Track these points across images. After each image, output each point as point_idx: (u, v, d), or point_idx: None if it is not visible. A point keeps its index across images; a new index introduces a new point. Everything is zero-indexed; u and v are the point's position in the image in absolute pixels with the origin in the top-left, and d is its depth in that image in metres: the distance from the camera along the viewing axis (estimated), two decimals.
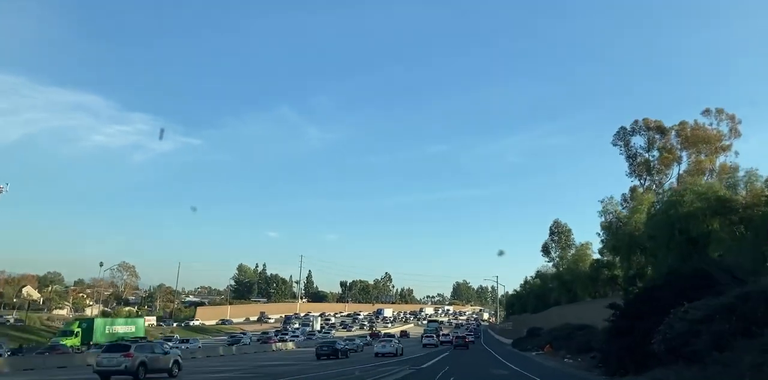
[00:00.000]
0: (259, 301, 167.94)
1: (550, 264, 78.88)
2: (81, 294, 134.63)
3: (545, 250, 79.21)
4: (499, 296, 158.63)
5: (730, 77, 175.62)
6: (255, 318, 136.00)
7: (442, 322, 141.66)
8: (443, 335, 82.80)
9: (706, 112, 57.18)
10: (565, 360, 35.00)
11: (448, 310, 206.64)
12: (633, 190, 57.31)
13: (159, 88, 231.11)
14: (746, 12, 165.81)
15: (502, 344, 77.97)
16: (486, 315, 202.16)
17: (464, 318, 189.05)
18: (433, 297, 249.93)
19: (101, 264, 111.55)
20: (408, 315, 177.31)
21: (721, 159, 55.82)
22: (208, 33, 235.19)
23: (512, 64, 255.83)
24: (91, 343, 50.98)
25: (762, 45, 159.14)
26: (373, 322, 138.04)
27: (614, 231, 47.24)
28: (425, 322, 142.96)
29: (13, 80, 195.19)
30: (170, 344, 58.47)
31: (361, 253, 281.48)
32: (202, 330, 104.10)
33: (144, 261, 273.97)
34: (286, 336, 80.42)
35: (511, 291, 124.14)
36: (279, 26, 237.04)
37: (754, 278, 15.42)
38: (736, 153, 53.71)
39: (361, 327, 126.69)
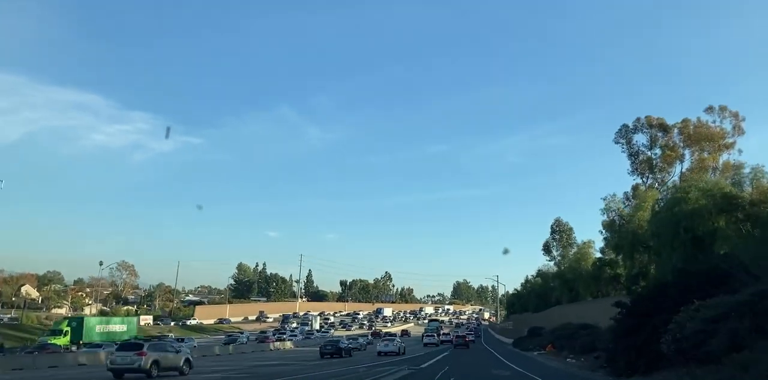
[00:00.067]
0: (258, 300, 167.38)
1: (552, 263, 78.46)
2: (80, 293, 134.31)
3: (546, 249, 78.69)
4: (500, 295, 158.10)
5: (730, 77, 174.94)
6: (254, 317, 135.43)
7: (442, 322, 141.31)
8: (444, 334, 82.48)
9: (710, 110, 56.46)
10: (568, 360, 34.29)
11: (449, 310, 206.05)
12: (635, 188, 56.69)
13: (159, 88, 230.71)
14: (747, 11, 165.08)
15: (502, 343, 77.36)
16: (486, 315, 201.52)
17: (465, 317, 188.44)
18: (433, 296, 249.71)
19: (101, 264, 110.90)
20: (408, 315, 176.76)
21: (724, 157, 55.06)
22: (208, 33, 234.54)
23: (512, 64, 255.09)
24: (81, 342, 50.09)
25: (763, 44, 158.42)
26: (373, 322, 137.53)
27: (617, 229, 46.64)
28: (425, 322, 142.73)
29: (13, 79, 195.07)
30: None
31: (361, 253, 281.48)
32: (200, 329, 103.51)
33: (144, 260, 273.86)
34: (284, 336, 79.75)
35: (511, 291, 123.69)
36: (279, 26, 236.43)
37: None
38: (740, 151, 52.99)
39: (361, 326, 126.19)
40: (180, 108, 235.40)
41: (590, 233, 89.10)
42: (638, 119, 59.37)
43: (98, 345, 43.97)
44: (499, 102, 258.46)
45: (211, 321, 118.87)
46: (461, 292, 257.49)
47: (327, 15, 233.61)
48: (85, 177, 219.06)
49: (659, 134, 58.19)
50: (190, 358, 26.95)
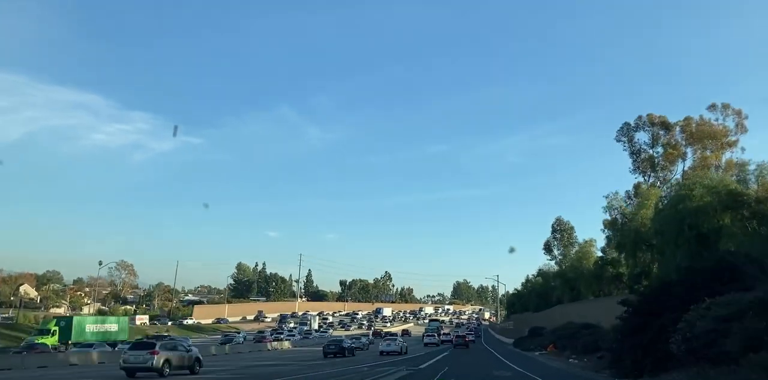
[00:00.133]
0: (258, 300, 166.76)
1: (553, 262, 77.90)
2: (79, 293, 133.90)
3: (547, 248, 78.15)
4: (500, 295, 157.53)
5: (732, 76, 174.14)
6: (252, 317, 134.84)
7: (443, 322, 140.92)
8: (444, 334, 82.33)
9: (712, 107, 55.92)
10: (570, 360, 33.63)
11: (448, 310, 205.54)
12: (637, 186, 56.15)
13: (159, 88, 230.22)
14: (747, 10, 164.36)
15: (503, 343, 76.77)
16: (487, 315, 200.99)
17: (465, 317, 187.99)
18: (433, 296, 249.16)
19: (100, 263, 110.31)
20: (407, 315, 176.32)
21: (727, 155, 54.47)
22: (208, 33, 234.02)
23: (512, 64, 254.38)
24: (70, 342, 49.20)
25: (764, 42, 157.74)
26: (372, 322, 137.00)
27: (619, 228, 46.07)
28: (425, 322, 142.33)
29: (13, 79, 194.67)
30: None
31: (361, 253, 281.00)
32: (198, 329, 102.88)
33: (144, 260, 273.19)
34: (281, 336, 79.16)
35: (511, 291, 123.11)
36: (279, 26, 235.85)
37: None
38: (743, 149, 52.43)
39: (360, 326, 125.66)
40: (180, 108, 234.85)
41: (590, 233, 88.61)
42: (640, 117, 58.90)
43: (89, 345, 43.17)
44: (499, 102, 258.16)
45: (209, 321, 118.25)
46: (461, 292, 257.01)
47: (327, 15, 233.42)
48: (85, 177, 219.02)
49: (661, 132, 57.77)
50: (200, 357, 27.31)
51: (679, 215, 31.80)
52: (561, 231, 76.90)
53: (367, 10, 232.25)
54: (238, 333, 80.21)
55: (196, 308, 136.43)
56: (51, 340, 48.16)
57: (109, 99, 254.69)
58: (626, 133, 59.10)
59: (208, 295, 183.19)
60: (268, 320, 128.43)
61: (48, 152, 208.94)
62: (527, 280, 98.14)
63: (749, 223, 30.86)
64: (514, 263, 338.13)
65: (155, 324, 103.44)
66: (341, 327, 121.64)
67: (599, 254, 58.42)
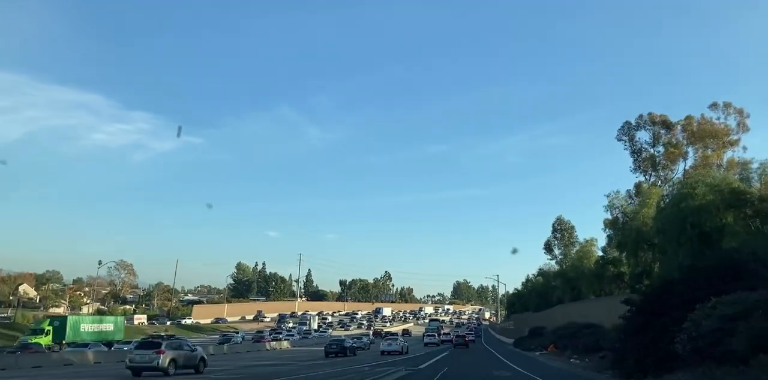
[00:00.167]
0: (258, 300, 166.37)
1: (553, 261, 77.59)
2: (78, 293, 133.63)
3: (548, 248, 77.86)
4: (500, 295, 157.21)
5: (732, 77, 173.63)
6: (251, 317, 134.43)
7: (443, 321, 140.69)
8: (444, 334, 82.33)
9: (714, 106, 55.65)
10: (572, 360, 33.27)
11: (448, 309, 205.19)
12: (638, 186, 55.84)
13: (159, 88, 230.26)
14: (747, 10, 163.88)
15: (503, 343, 76.48)
16: (487, 315, 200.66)
17: (465, 317, 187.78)
18: (433, 296, 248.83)
19: (100, 263, 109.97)
20: (407, 315, 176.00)
21: (728, 154, 54.19)
22: (208, 33, 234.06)
23: (512, 64, 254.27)
24: (64, 342, 48.61)
25: (764, 42, 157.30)
26: (372, 321, 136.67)
27: (620, 227, 45.74)
28: (425, 321, 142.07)
29: (14, 78, 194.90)
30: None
31: (361, 253, 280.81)
32: (196, 328, 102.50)
33: (144, 260, 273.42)
34: (280, 335, 78.75)
35: (512, 291, 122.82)
36: (279, 26, 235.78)
37: None
38: (744, 148, 52.14)
39: (359, 326, 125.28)
40: (180, 108, 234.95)
41: (591, 233, 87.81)
42: (641, 116, 58.63)
43: (84, 345, 42.82)
44: (499, 102, 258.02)
45: (208, 321, 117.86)
46: (461, 292, 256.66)
47: (327, 15, 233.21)
48: (85, 177, 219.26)
49: (662, 131, 57.55)
50: (205, 357, 27.44)
51: (682, 213, 31.44)
52: (562, 230, 76.60)
53: (367, 10, 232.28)
54: (237, 333, 79.90)
55: (195, 308, 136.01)
56: (45, 340, 47.62)
57: (110, 99, 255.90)
58: (627, 132, 58.85)
59: (208, 295, 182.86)
60: (267, 320, 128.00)
61: (48, 152, 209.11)
62: (527, 280, 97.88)
63: (752, 222, 30.53)
64: (514, 263, 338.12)
65: (153, 323, 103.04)
66: (340, 327, 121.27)
67: (600, 254, 58.10)
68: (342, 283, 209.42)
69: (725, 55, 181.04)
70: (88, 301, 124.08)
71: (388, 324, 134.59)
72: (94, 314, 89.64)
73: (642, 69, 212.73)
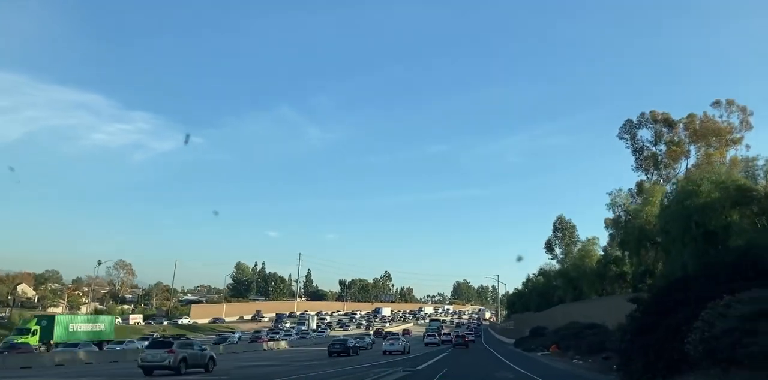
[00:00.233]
0: (257, 300, 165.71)
1: (554, 261, 76.98)
2: (77, 292, 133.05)
3: (549, 247, 77.24)
4: (500, 295, 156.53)
5: (732, 77, 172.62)
6: (250, 316, 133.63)
7: (443, 321, 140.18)
8: (444, 334, 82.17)
9: (716, 104, 55.12)
10: (574, 361, 32.51)
11: (448, 310, 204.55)
12: (639, 184, 55.34)
13: (159, 88, 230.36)
14: (746, 10, 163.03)
15: (503, 344, 75.84)
16: (487, 315, 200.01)
17: (466, 317, 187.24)
18: (433, 296, 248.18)
19: (99, 263, 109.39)
20: (407, 315, 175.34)
21: (731, 153, 53.61)
22: (208, 33, 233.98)
23: (512, 64, 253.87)
24: (52, 342, 47.63)
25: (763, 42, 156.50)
26: (371, 321, 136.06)
27: (623, 225, 45.09)
28: (425, 322, 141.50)
29: (14, 78, 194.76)
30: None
31: (361, 253, 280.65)
32: (193, 328, 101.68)
33: (144, 260, 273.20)
34: (277, 335, 78.09)
35: (512, 291, 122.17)
36: (279, 26, 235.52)
37: None
38: (747, 146, 51.51)
39: (358, 326, 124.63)
40: (180, 108, 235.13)
41: (591, 233, 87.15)
42: (642, 114, 58.16)
43: (74, 345, 42.03)
44: (499, 102, 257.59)
45: (206, 321, 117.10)
46: (461, 292, 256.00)
47: (327, 15, 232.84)
48: (85, 176, 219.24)
49: (664, 129, 57.11)
50: (214, 356, 27.96)
51: (686, 211, 30.72)
52: (563, 229, 76.00)
53: (367, 10, 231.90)
54: (233, 333, 79.29)
55: (194, 307, 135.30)
56: (32, 340, 46.58)
57: (110, 99, 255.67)
58: (629, 130, 58.38)
59: (208, 295, 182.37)
60: (266, 320, 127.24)
61: (48, 152, 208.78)
62: (528, 280, 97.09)
63: (758, 220, 29.87)
64: (514, 263, 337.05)
65: (150, 323, 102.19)
66: (339, 327, 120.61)
67: (601, 253, 57.48)
68: (342, 283, 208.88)
69: (726, 54, 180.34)
70: (87, 301, 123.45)
71: (387, 325, 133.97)
72: (92, 313, 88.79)
73: (642, 69, 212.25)
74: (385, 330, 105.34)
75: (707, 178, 32.30)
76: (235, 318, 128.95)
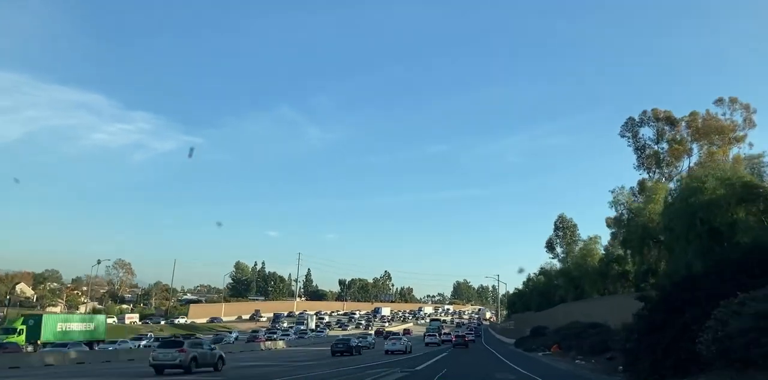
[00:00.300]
0: (256, 300, 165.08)
1: (555, 260, 76.47)
2: (76, 292, 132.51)
3: (549, 246, 76.73)
4: (500, 295, 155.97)
5: (732, 77, 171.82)
6: (248, 316, 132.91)
7: (444, 321, 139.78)
8: (444, 334, 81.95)
9: (719, 102, 54.72)
10: (577, 361, 31.87)
11: (448, 309, 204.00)
12: (641, 183, 54.88)
13: (160, 88, 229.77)
14: (746, 10, 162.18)
15: (503, 343, 75.27)
16: (488, 314, 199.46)
17: (466, 317, 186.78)
18: (433, 296, 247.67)
19: (99, 262, 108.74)
20: (407, 314, 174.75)
21: (734, 151, 53.10)
22: (208, 33, 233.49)
23: (512, 64, 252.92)
24: (39, 342, 46.55)
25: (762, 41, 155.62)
26: (370, 321, 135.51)
27: (626, 224, 44.49)
28: (425, 321, 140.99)
29: (15, 78, 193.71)
30: (144, 342, 55.01)
31: (360, 252, 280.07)
32: (191, 328, 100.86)
33: (144, 260, 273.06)
34: (274, 335, 77.36)
35: (512, 291, 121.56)
36: (279, 26, 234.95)
37: None
38: (750, 144, 51.09)
39: (357, 326, 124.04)
40: (180, 108, 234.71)
41: (591, 233, 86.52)
42: (644, 112, 57.78)
43: (62, 345, 41.27)
44: (499, 102, 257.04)
45: (204, 320, 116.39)
46: (461, 292, 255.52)
47: (327, 15, 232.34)
48: (85, 176, 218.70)
49: (666, 128, 56.74)
50: (223, 355, 28.38)
51: (691, 208, 30.12)
52: (564, 228, 75.49)
53: (367, 10, 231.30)
54: (230, 332, 78.58)
55: (192, 307, 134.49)
56: (18, 339, 45.53)
57: (110, 98, 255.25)
58: (630, 128, 57.96)
59: (207, 295, 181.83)
60: (263, 319, 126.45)
61: (48, 152, 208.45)
62: (529, 279, 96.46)
63: (765, 217, 29.25)
64: (513, 263, 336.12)
65: (147, 323, 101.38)
66: (338, 327, 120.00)
67: (603, 252, 56.91)
68: (341, 283, 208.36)
69: (726, 54, 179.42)
70: (86, 300, 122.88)
71: (387, 324, 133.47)
72: (88, 313, 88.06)
73: (642, 69, 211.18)
74: (386, 329, 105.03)
75: (712, 174, 31.68)
76: (233, 318, 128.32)
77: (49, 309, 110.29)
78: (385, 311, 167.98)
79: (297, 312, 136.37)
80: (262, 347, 59.18)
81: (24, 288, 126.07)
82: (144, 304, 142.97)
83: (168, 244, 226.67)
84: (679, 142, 55.24)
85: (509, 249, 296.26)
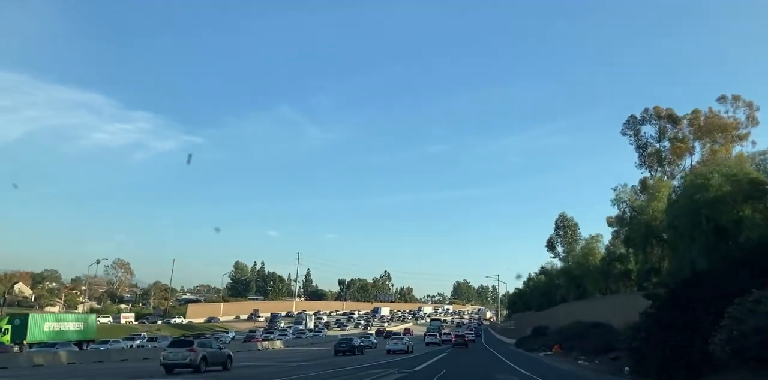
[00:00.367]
0: (256, 299, 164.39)
1: (556, 259, 75.89)
2: (74, 292, 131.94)
3: (550, 245, 76.13)
4: (500, 295, 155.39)
5: (733, 77, 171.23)
6: (246, 316, 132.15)
7: (444, 321, 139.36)
8: (444, 334, 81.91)
9: (722, 99, 54.06)
10: (579, 361, 31.21)
11: (448, 309, 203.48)
12: (643, 181, 54.24)
13: (160, 87, 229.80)
14: (746, 11, 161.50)
15: (504, 344, 74.72)
16: (488, 314, 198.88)
17: (466, 317, 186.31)
18: (433, 296, 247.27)
19: (98, 262, 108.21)
20: (406, 314, 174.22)
21: (737, 149, 52.47)
22: (208, 33, 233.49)
23: (512, 64, 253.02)
24: (26, 342, 45.65)
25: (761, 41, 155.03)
26: (370, 321, 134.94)
27: (628, 222, 43.86)
28: (425, 321, 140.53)
29: (15, 78, 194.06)
30: (137, 342, 54.22)
31: (360, 252, 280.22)
32: (189, 328, 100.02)
33: (144, 259, 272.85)
34: (272, 335, 76.76)
35: (512, 291, 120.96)
36: (279, 26, 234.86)
37: None
38: (754, 142, 50.46)
39: (356, 326, 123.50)
40: (180, 108, 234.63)
41: (592, 232, 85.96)
42: (646, 110, 57.14)
43: (51, 345, 40.63)
44: (499, 102, 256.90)
45: (201, 320, 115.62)
46: (461, 292, 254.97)
47: (327, 15, 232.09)
48: (85, 176, 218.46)
49: (668, 126, 56.17)
50: (232, 354, 28.85)
51: (696, 206, 29.39)
52: (565, 227, 74.90)
53: (367, 10, 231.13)
54: (227, 332, 77.94)
55: (191, 307, 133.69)
56: (4, 339, 44.83)
57: (110, 98, 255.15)
58: (632, 126, 57.38)
59: (207, 294, 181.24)
60: (261, 319, 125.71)
61: (48, 152, 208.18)
62: (529, 279, 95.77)
63: None
64: (513, 263, 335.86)
65: (144, 322, 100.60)
66: (337, 327, 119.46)
67: (604, 251, 56.35)
68: (341, 283, 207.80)
69: (727, 54, 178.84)
70: (84, 300, 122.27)
71: (386, 324, 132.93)
72: (85, 313, 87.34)
73: (642, 69, 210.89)
74: (387, 329, 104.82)
75: (717, 171, 30.98)
76: (231, 318, 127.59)
77: (47, 309, 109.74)
78: (385, 311, 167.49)
79: (296, 312, 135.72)
80: (259, 347, 58.58)
81: (22, 288, 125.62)
82: (143, 304, 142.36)
83: (167, 244, 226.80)
84: (681, 140, 54.68)
85: (509, 249, 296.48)
